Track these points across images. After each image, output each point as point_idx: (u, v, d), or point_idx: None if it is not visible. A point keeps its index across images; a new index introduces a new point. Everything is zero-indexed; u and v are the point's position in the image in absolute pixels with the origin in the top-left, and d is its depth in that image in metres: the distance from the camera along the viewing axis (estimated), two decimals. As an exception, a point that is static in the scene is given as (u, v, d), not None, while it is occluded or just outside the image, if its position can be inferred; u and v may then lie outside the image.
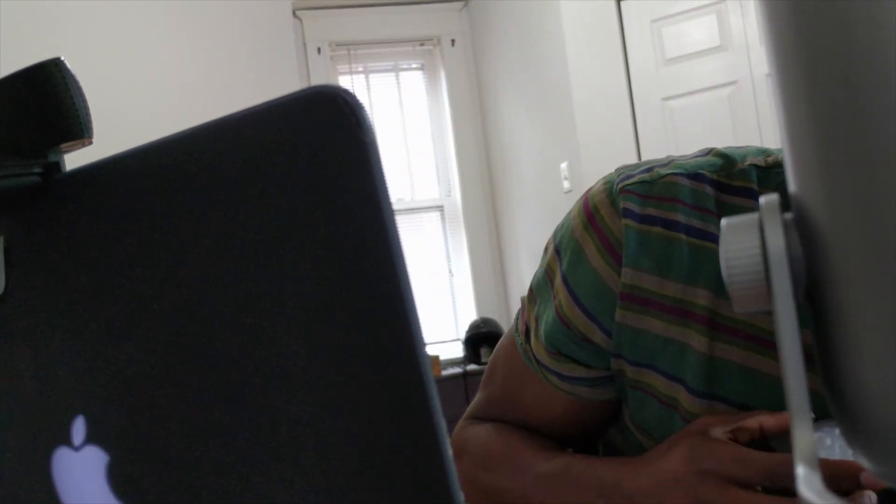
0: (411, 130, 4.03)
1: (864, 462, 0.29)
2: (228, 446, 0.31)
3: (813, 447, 0.28)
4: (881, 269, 0.25)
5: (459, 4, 4.08)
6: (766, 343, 0.62)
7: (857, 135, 0.25)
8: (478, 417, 0.82)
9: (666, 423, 0.66)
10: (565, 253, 0.69)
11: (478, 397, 0.84)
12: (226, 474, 0.31)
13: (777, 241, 0.29)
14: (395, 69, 4.04)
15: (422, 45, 4.08)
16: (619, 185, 0.66)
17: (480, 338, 3.81)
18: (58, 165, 0.37)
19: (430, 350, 3.62)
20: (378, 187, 0.27)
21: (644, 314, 0.65)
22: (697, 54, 2.97)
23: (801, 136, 0.28)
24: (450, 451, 0.26)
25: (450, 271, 4.10)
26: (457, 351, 3.98)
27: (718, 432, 0.59)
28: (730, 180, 0.65)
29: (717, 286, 0.63)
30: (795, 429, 0.28)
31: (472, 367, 3.80)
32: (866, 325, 0.26)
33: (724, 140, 2.86)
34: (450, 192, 4.09)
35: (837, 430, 0.56)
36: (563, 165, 3.34)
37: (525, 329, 0.75)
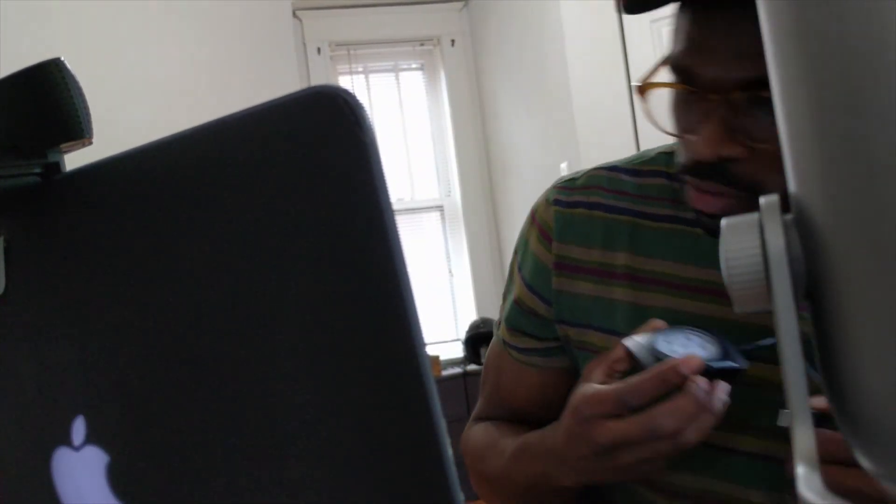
0: (411, 130, 4.03)
1: (864, 462, 0.29)
2: (228, 446, 0.31)
3: (813, 447, 0.28)
4: (881, 269, 0.25)
5: (459, 4, 4.08)
6: (685, 287, 0.75)
7: (856, 135, 0.25)
8: (480, 418, 0.92)
9: None
10: (519, 251, 0.86)
11: (479, 400, 0.95)
12: (225, 474, 0.31)
13: (777, 241, 0.29)
14: (395, 69, 4.04)
15: (422, 45, 4.08)
16: (553, 186, 0.84)
17: (480, 338, 3.81)
18: (58, 165, 0.37)
19: (430, 350, 3.62)
20: (378, 187, 0.27)
21: (574, 279, 0.80)
22: (697, 54, 2.97)
23: (801, 137, 0.28)
24: (450, 451, 0.27)
25: (450, 271, 4.10)
26: (457, 351, 3.98)
27: (597, 374, 0.67)
28: (642, 166, 0.81)
29: (632, 247, 0.77)
30: (796, 428, 0.28)
31: (472, 367, 3.80)
32: (866, 326, 0.26)
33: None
34: (450, 192, 4.09)
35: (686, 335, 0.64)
36: (563, 165, 3.35)
37: (499, 321, 0.90)
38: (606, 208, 0.79)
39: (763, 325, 0.71)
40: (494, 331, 0.91)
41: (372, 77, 4.01)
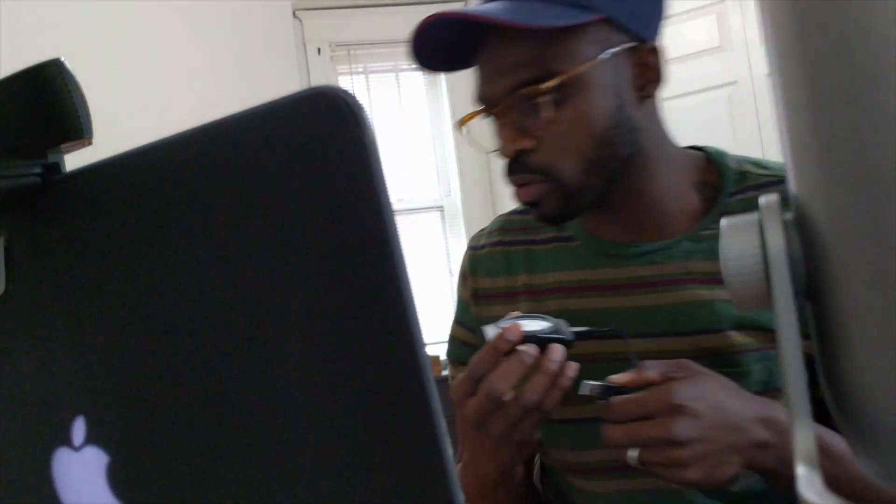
0: (411, 130, 4.03)
1: (864, 462, 0.29)
2: (228, 446, 0.31)
3: (813, 447, 0.28)
4: (881, 269, 0.25)
5: (459, 5, 4.08)
6: (570, 289, 0.89)
7: (856, 135, 0.25)
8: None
9: None
10: (456, 305, 1.03)
11: None
12: (225, 474, 0.31)
13: (777, 241, 0.29)
14: (395, 69, 4.03)
15: (422, 45, 4.07)
16: (470, 239, 1.03)
17: (480, 338, 3.81)
18: (58, 166, 0.37)
19: (430, 350, 3.61)
20: (378, 187, 0.27)
21: (489, 305, 0.95)
22: (697, 54, 2.97)
23: (801, 137, 0.28)
24: (450, 451, 0.27)
25: (450, 271, 4.09)
26: (457, 351, 3.97)
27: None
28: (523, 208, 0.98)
29: (528, 269, 0.93)
30: (796, 429, 0.28)
31: (471, 367, 3.80)
32: (866, 325, 0.26)
33: (724, 140, 2.86)
34: (450, 192, 4.09)
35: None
36: (563, 165, 3.34)
37: (438, 378, 1.12)
38: (505, 243, 0.97)
39: (639, 308, 0.85)
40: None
41: (372, 77, 4.01)
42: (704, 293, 0.83)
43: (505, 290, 0.94)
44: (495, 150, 0.84)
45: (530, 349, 0.71)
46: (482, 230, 1.03)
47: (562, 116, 0.78)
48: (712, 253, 0.82)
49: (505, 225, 1.00)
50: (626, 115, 0.80)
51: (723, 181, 0.86)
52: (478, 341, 0.94)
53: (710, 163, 0.88)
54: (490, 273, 0.96)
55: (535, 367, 0.71)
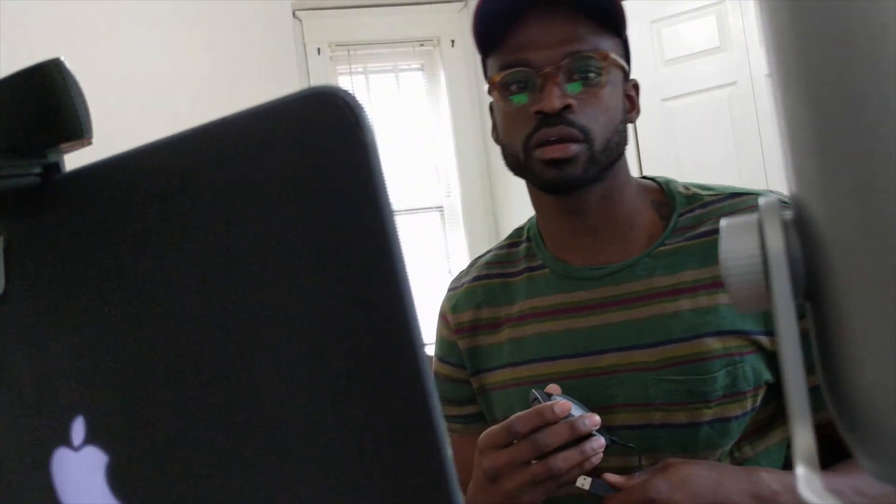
0: (411, 130, 4.03)
1: (864, 462, 0.29)
2: (228, 446, 0.31)
3: (813, 447, 0.28)
4: (881, 270, 0.25)
5: (459, 5, 4.08)
6: (544, 314, 0.96)
7: (856, 135, 0.25)
8: None
9: (507, 401, 0.97)
10: (435, 341, 1.11)
11: None
12: (225, 474, 0.31)
13: (777, 242, 0.29)
14: (395, 70, 4.03)
15: (421, 45, 4.07)
16: (449, 283, 1.11)
17: (480, 338, 3.81)
18: (58, 165, 0.37)
19: (430, 350, 3.61)
20: (378, 187, 0.27)
21: (475, 336, 1.03)
22: (697, 55, 2.97)
23: (800, 137, 0.28)
24: (450, 451, 0.27)
25: (450, 271, 4.09)
26: (456, 351, 3.97)
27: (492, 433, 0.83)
28: (508, 241, 1.09)
29: (506, 300, 1.01)
30: (796, 429, 0.28)
31: (471, 367, 3.80)
32: (866, 325, 0.26)
33: (724, 141, 2.86)
34: (450, 192, 4.08)
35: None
36: (563, 166, 3.34)
37: None
38: (482, 277, 1.05)
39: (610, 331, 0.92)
40: None
41: (372, 77, 4.01)
42: (668, 305, 0.90)
43: (488, 321, 1.02)
44: (535, 106, 0.89)
45: (583, 421, 0.77)
46: (460, 272, 1.12)
47: (603, 91, 0.89)
48: (672, 267, 0.92)
49: (480, 263, 1.09)
50: (623, 121, 0.94)
51: (674, 201, 0.96)
52: (465, 375, 1.04)
53: (660, 187, 1.00)
54: (471, 306, 1.04)
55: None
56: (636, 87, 0.99)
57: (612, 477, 0.81)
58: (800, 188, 0.29)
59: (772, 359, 0.87)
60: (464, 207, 4.12)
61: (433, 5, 4.06)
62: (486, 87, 0.97)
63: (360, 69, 4.03)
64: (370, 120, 0.27)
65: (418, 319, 0.27)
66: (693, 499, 0.77)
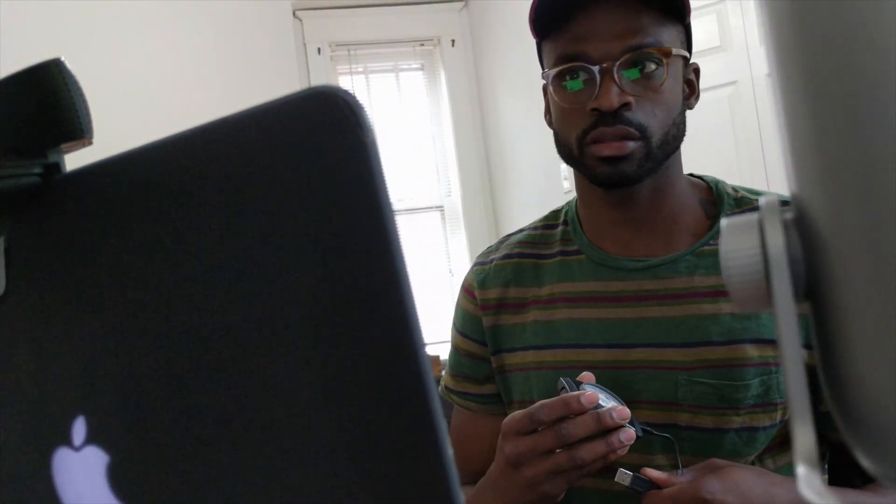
0: (411, 130, 4.03)
1: (864, 462, 0.29)
2: (228, 446, 0.31)
3: (813, 447, 0.28)
4: (881, 269, 0.25)
5: (459, 5, 4.08)
6: (576, 299, 0.94)
7: (856, 135, 0.25)
8: None
9: (526, 384, 0.96)
10: (454, 315, 1.08)
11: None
12: (225, 474, 0.31)
13: (777, 241, 0.29)
14: (395, 69, 4.04)
15: (422, 45, 4.08)
16: (477, 257, 1.08)
17: (480, 338, 3.80)
18: (58, 165, 0.37)
19: (430, 350, 3.61)
20: (378, 187, 0.27)
21: (499, 314, 1.00)
22: (697, 54, 2.96)
23: (800, 137, 0.28)
24: (450, 451, 0.26)
25: (450, 271, 4.09)
26: (457, 351, 3.97)
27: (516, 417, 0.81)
28: (541, 223, 1.06)
29: (536, 281, 0.99)
30: (796, 429, 0.28)
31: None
32: (866, 325, 0.26)
33: (724, 140, 2.86)
34: (450, 192, 4.09)
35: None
36: (563, 166, 3.34)
37: (441, 384, 1.10)
38: (513, 256, 1.03)
39: (635, 319, 0.89)
40: (441, 391, 1.08)
41: (372, 77, 4.01)
42: (708, 307, 0.87)
43: (514, 301, 0.99)
44: (592, 103, 0.87)
45: (611, 413, 0.75)
46: (489, 247, 1.08)
47: (663, 86, 0.87)
48: (715, 268, 0.88)
49: (512, 241, 1.06)
50: (681, 111, 0.91)
51: (721, 202, 0.94)
52: (486, 352, 1.01)
53: (708, 186, 0.97)
54: (499, 283, 1.01)
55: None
56: (696, 70, 0.96)
57: (653, 473, 0.78)
58: (800, 188, 0.29)
59: (808, 373, 0.84)
60: (464, 207, 4.12)
61: (433, 5, 4.06)
62: (540, 72, 0.95)
63: (361, 69, 4.03)
64: (370, 120, 0.27)
65: (419, 319, 0.27)
66: (741, 502, 0.74)
